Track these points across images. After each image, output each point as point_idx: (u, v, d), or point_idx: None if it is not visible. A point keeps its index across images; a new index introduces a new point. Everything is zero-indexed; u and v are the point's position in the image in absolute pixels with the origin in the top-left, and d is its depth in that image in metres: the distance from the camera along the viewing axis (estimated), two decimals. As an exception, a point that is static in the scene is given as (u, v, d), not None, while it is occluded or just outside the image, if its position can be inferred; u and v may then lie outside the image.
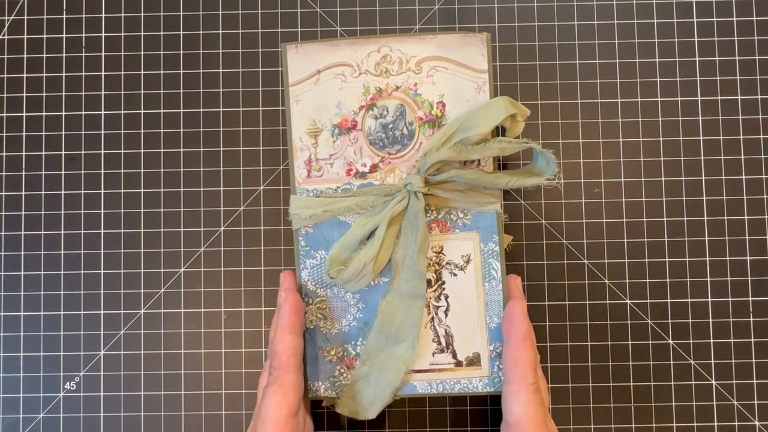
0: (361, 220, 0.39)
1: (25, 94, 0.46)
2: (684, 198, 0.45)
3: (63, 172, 0.45)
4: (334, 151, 0.40)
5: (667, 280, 0.44)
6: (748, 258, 0.44)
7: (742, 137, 0.45)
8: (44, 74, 0.46)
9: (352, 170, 0.40)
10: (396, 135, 0.40)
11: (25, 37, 0.46)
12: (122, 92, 0.45)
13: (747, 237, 0.44)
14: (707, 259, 0.44)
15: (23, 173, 0.45)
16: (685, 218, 0.45)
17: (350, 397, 0.39)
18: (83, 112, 0.45)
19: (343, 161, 0.40)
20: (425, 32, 0.44)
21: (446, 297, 0.40)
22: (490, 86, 0.40)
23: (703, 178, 0.45)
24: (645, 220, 0.45)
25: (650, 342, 0.44)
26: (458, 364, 0.39)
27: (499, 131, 0.43)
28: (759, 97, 0.45)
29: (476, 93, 0.40)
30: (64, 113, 0.45)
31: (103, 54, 0.46)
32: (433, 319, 0.39)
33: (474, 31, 0.45)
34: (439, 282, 0.40)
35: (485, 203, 0.40)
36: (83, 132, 0.45)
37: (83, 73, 0.46)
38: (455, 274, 0.40)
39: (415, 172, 0.39)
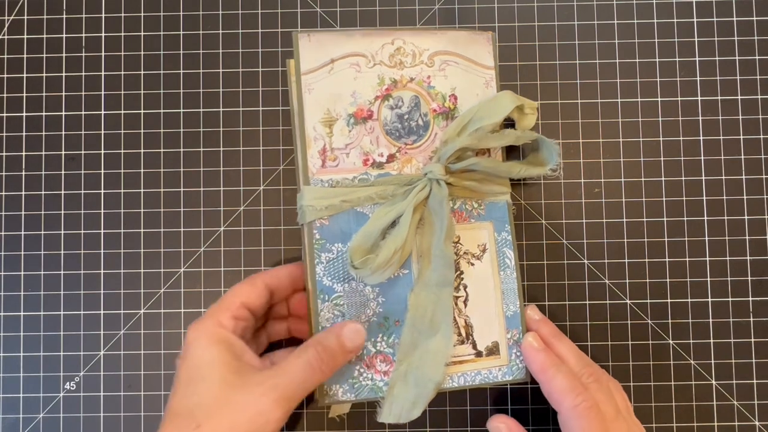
0: (381, 209, 0.38)
1: (25, 94, 0.46)
2: (684, 198, 0.45)
3: (63, 172, 0.45)
4: (350, 141, 0.39)
5: (667, 280, 0.44)
6: (748, 258, 0.44)
7: (742, 137, 0.45)
8: (44, 74, 0.46)
9: (369, 160, 0.39)
10: (412, 126, 0.40)
11: (25, 37, 0.46)
12: (122, 92, 0.45)
13: (747, 237, 0.44)
14: (707, 259, 0.44)
15: (23, 173, 0.45)
16: (685, 218, 0.45)
17: (391, 402, 0.37)
18: (83, 112, 0.45)
19: (360, 151, 0.39)
20: (436, 27, 0.45)
21: (465, 287, 0.40)
22: (496, 82, 0.41)
23: (703, 178, 0.45)
24: (645, 220, 0.45)
25: (650, 342, 0.44)
26: (478, 354, 0.39)
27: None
28: (759, 97, 0.45)
29: (485, 88, 0.41)
30: (64, 113, 0.45)
31: (103, 54, 0.46)
32: (453, 309, 0.39)
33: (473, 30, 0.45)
34: (458, 272, 0.40)
35: (498, 193, 0.41)
36: (83, 132, 0.45)
37: (83, 73, 0.46)
38: (472, 264, 0.40)
39: (435, 160, 0.39)
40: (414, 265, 0.39)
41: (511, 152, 0.44)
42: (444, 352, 0.38)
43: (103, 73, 0.46)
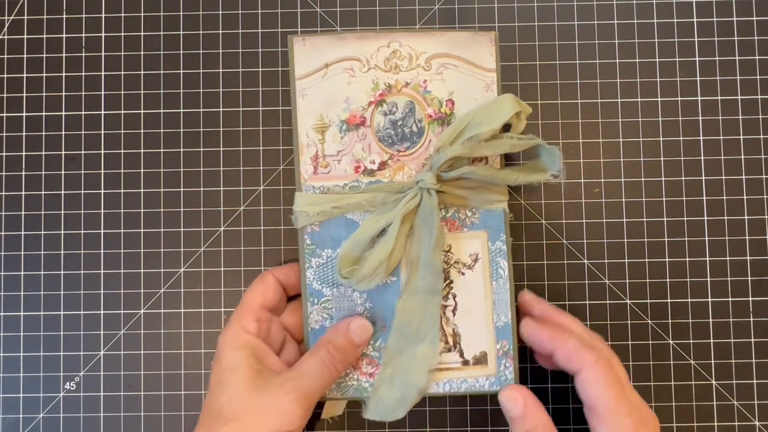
0: (371, 217, 0.38)
1: (25, 94, 0.46)
2: (684, 198, 0.45)
3: (63, 172, 0.45)
4: (341, 148, 0.39)
5: (667, 280, 0.44)
6: (748, 258, 0.44)
7: (742, 137, 0.45)
8: (44, 74, 0.46)
9: (360, 167, 0.39)
10: (405, 132, 0.39)
11: (25, 37, 0.46)
12: (122, 92, 0.45)
13: (747, 237, 0.44)
14: (707, 259, 0.44)
15: (23, 173, 0.45)
16: (685, 218, 0.45)
17: (376, 402, 0.38)
18: (83, 112, 0.45)
19: (351, 158, 0.39)
20: (435, 29, 0.44)
21: (454, 296, 0.39)
22: (497, 85, 0.40)
23: (703, 178, 0.45)
24: (645, 220, 0.45)
25: (650, 342, 0.44)
26: (465, 363, 0.39)
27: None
28: (759, 97, 0.45)
29: (484, 92, 0.39)
30: (64, 113, 0.45)
31: (103, 54, 0.46)
32: (441, 318, 0.39)
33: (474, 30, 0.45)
34: (447, 281, 0.39)
35: (494, 201, 0.39)
36: (83, 132, 0.45)
37: (83, 73, 0.46)
38: (463, 273, 0.39)
39: (427, 169, 0.38)
40: (403, 273, 0.39)
41: (511, 157, 0.43)
42: (430, 359, 0.38)
43: (103, 73, 0.46)
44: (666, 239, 0.44)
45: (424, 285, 0.38)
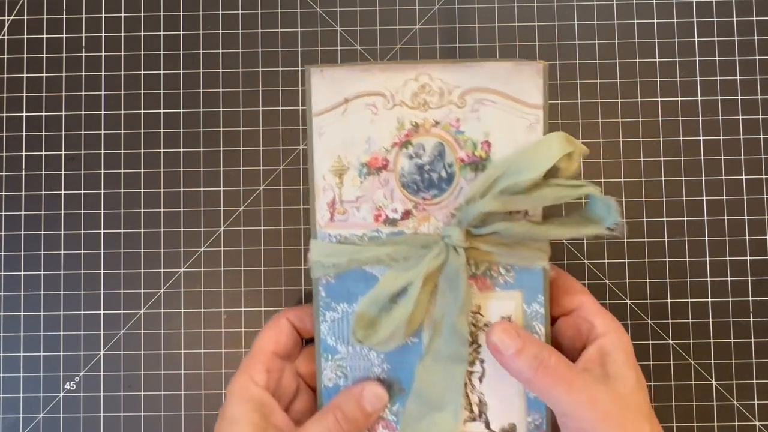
0: (391, 273, 0.34)
1: (25, 94, 0.46)
2: (684, 198, 0.45)
3: (63, 172, 0.45)
4: (361, 193, 0.35)
5: (667, 280, 0.44)
6: (748, 258, 0.44)
7: (742, 137, 0.45)
8: (44, 74, 0.46)
9: (381, 216, 0.35)
10: (433, 178, 0.35)
11: (25, 37, 0.46)
12: (122, 92, 0.45)
13: (747, 237, 0.44)
14: (707, 259, 0.44)
15: (23, 173, 0.45)
16: (685, 218, 0.45)
17: None
18: (83, 112, 0.45)
19: (372, 205, 0.35)
20: (472, 60, 0.39)
21: (482, 362, 0.35)
22: (544, 124, 0.34)
23: (703, 178, 0.45)
24: (645, 220, 0.45)
25: (650, 342, 0.44)
26: None
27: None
28: (759, 97, 0.45)
29: (527, 132, 0.34)
30: (64, 113, 0.45)
31: (103, 54, 0.46)
32: (465, 385, 0.35)
33: (473, 32, 0.45)
34: (475, 345, 0.35)
35: (532, 258, 0.34)
36: (83, 132, 0.45)
37: (83, 73, 0.46)
38: None
39: (455, 223, 0.34)
40: (425, 334, 0.35)
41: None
42: (451, 428, 0.34)
43: (103, 73, 0.46)
44: (666, 239, 0.44)
45: (447, 350, 0.34)
